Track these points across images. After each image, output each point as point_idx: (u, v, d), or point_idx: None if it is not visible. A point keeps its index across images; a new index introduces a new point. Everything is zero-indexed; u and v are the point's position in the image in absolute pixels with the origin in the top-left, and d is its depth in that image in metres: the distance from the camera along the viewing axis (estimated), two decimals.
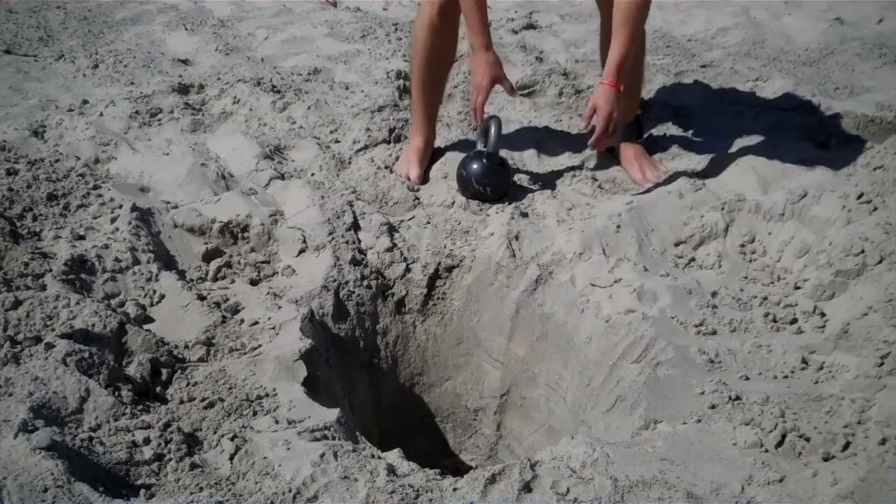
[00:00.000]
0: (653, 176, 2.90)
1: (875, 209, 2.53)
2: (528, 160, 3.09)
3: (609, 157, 3.09)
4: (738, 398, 1.94)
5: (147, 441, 1.69)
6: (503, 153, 2.93)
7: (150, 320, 2.19)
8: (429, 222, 2.78)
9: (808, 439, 1.78)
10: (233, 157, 3.00)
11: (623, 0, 2.58)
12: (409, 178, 2.95)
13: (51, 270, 2.17)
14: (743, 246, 2.58)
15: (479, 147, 2.83)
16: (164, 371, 1.97)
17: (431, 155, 3.06)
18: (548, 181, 2.95)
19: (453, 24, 2.82)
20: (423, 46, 2.86)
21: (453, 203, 2.81)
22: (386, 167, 3.01)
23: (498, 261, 2.63)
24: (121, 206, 2.54)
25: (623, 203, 2.76)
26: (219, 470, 1.69)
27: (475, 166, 2.77)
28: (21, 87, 3.46)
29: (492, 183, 2.79)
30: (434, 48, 2.86)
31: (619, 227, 2.66)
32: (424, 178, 2.98)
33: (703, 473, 1.71)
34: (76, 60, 3.79)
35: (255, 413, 1.88)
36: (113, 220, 2.49)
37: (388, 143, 3.14)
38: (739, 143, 3.06)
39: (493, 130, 2.76)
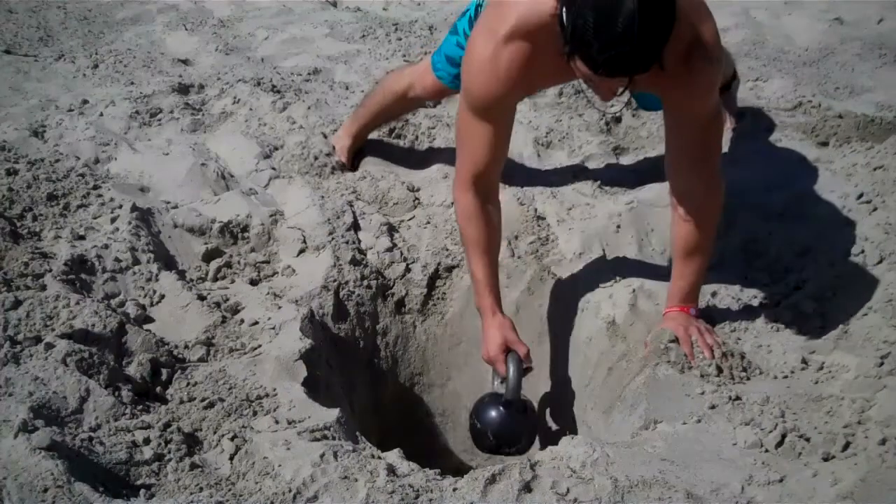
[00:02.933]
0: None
1: (875, 209, 2.53)
2: (528, 160, 3.08)
3: (609, 158, 3.08)
4: (738, 398, 1.94)
5: (147, 441, 1.69)
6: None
7: (150, 320, 2.19)
8: (429, 222, 2.77)
9: (808, 439, 1.78)
10: (233, 157, 3.00)
11: (687, 229, 2.16)
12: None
13: (51, 270, 2.17)
14: (743, 246, 2.58)
15: (496, 387, 2.32)
16: (164, 371, 1.97)
17: (430, 155, 3.07)
18: (548, 181, 2.94)
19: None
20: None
21: (453, 203, 2.81)
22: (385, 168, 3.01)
23: (498, 261, 2.63)
24: (121, 206, 2.54)
25: (623, 203, 2.76)
26: (219, 470, 1.69)
27: (492, 415, 2.26)
28: (21, 87, 3.45)
29: (512, 438, 2.29)
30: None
31: (619, 227, 2.66)
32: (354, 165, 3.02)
33: (703, 473, 1.71)
34: (76, 60, 3.79)
35: (255, 413, 1.88)
36: (113, 220, 2.49)
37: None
38: (739, 144, 3.06)
39: (511, 370, 2.22)
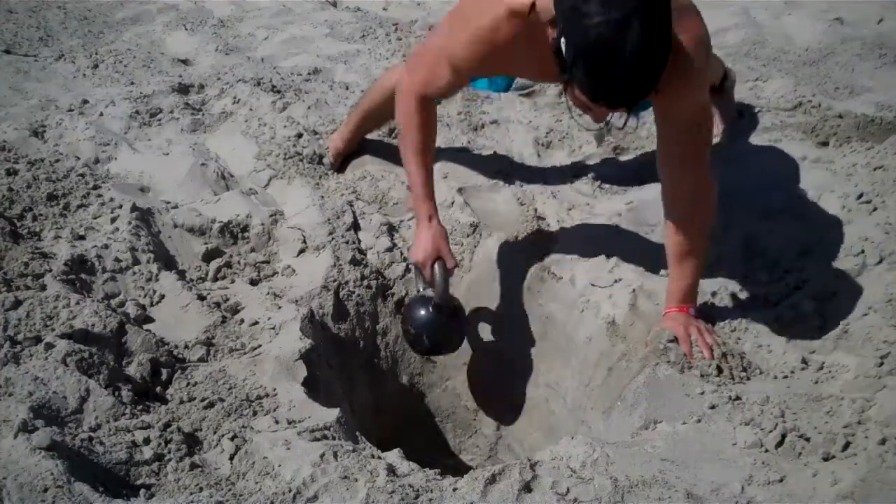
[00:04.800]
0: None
1: (875, 209, 2.53)
2: (528, 160, 3.08)
3: (609, 158, 3.08)
4: (738, 398, 1.94)
5: (147, 441, 1.69)
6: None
7: (150, 320, 2.19)
8: None
9: (808, 439, 1.78)
10: (233, 157, 3.00)
11: (680, 229, 2.17)
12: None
13: (51, 270, 2.17)
14: (743, 246, 2.58)
15: (421, 290, 2.42)
16: (164, 371, 1.97)
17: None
18: (548, 181, 2.94)
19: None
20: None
21: (453, 203, 2.81)
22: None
23: (498, 261, 2.63)
24: (121, 206, 2.54)
25: (623, 203, 2.76)
26: (219, 470, 1.69)
27: (425, 319, 2.38)
28: (21, 87, 3.45)
29: (445, 339, 2.43)
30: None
31: (619, 227, 2.66)
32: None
33: (703, 473, 1.71)
34: (76, 60, 3.79)
35: (255, 413, 1.88)
36: (113, 220, 2.49)
37: None
38: (739, 144, 3.06)
39: (438, 275, 2.32)
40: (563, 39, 1.74)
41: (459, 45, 2.11)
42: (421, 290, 2.41)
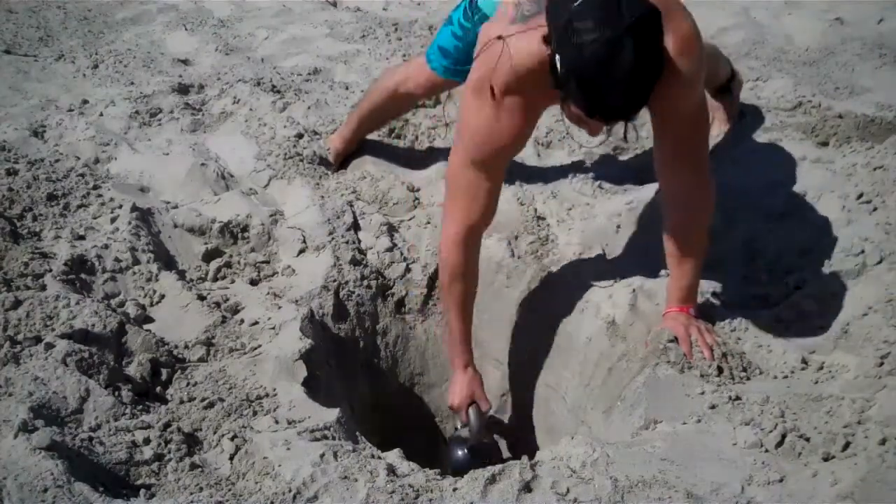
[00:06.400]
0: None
1: (875, 209, 2.53)
2: (528, 159, 3.08)
3: (609, 157, 3.08)
4: (738, 398, 1.94)
5: (147, 441, 1.69)
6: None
7: (150, 320, 2.19)
8: (429, 222, 2.77)
9: (808, 439, 1.78)
10: (233, 157, 3.00)
11: (679, 228, 2.17)
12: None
13: (51, 270, 2.17)
14: (743, 246, 2.58)
15: (459, 431, 2.48)
16: (164, 371, 1.97)
17: (430, 155, 3.07)
18: (548, 181, 2.94)
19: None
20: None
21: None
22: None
23: (498, 261, 2.63)
24: (121, 206, 2.54)
25: (623, 203, 2.76)
26: (219, 470, 1.69)
27: (460, 459, 2.42)
28: (21, 87, 3.45)
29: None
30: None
31: (619, 227, 2.66)
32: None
33: (703, 473, 1.71)
34: (76, 60, 3.79)
35: (255, 413, 1.88)
36: (113, 220, 2.49)
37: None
38: (739, 144, 3.05)
39: (473, 420, 2.40)
40: (557, 56, 1.76)
41: (475, 146, 2.10)
42: (458, 428, 2.49)
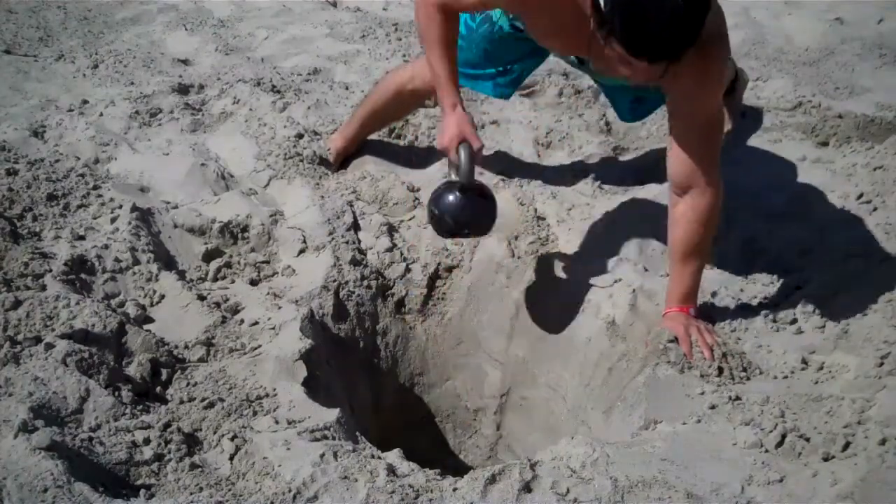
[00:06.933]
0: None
1: (875, 209, 2.53)
2: (528, 160, 3.08)
3: (609, 157, 3.08)
4: (738, 398, 1.94)
5: (147, 441, 1.69)
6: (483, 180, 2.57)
7: (150, 320, 2.19)
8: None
9: (808, 439, 1.78)
10: (233, 157, 3.00)
11: (686, 228, 2.17)
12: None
13: (51, 270, 2.17)
14: (743, 246, 2.58)
15: (451, 177, 2.36)
16: (164, 371, 1.97)
17: (430, 155, 3.07)
18: (548, 181, 2.94)
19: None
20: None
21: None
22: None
23: (498, 261, 2.63)
24: (121, 206, 2.54)
25: (623, 203, 2.76)
26: (219, 470, 1.69)
27: (449, 199, 2.30)
28: (21, 87, 3.45)
29: (470, 218, 2.34)
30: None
31: (619, 227, 2.66)
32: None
33: (703, 473, 1.71)
34: (76, 60, 3.79)
35: (255, 413, 1.88)
36: (113, 220, 2.49)
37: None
38: (740, 144, 3.06)
39: (463, 157, 2.28)
40: None
41: None
42: (451, 177, 2.35)
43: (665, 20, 1.69)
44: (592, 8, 1.77)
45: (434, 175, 2.98)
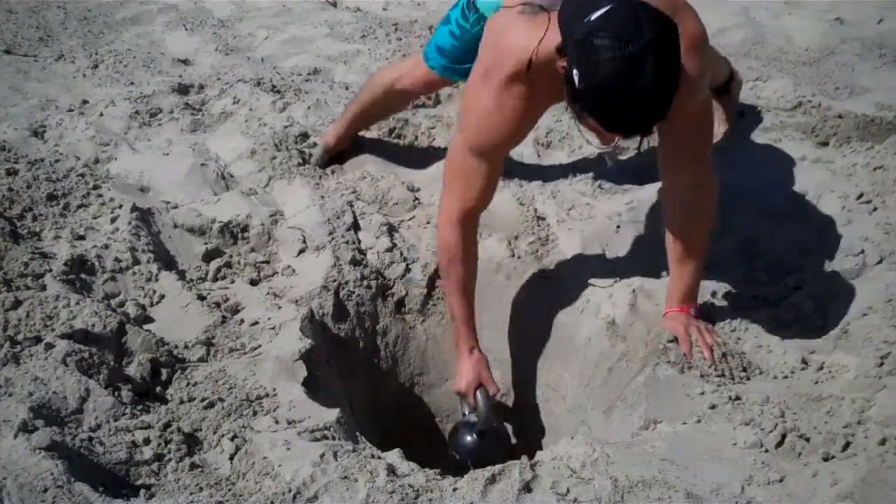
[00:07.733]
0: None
1: (875, 209, 2.53)
2: (528, 160, 3.08)
3: (609, 157, 3.08)
4: (738, 398, 1.94)
5: (147, 441, 1.69)
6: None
7: (150, 320, 2.19)
8: (429, 222, 2.77)
9: (808, 439, 1.78)
10: (233, 157, 3.00)
11: (682, 227, 2.18)
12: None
13: (51, 270, 2.17)
14: (743, 246, 2.58)
15: (467, 416, 2.42)
16: (164, 371, 1.97)
17: (430, 155, 3.07)
18: (548, 181, 2.94)
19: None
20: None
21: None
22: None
23: (498, 261, 2.63)
24: (121, 206, 2.54)
25: (623, 203, 2.76)
26: (219, 470, 1.69)
27: (469, 445, 2.36)
28: (21, 87, 3.45)
29: (487, 459, 2.22)
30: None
31: (619, 227, 2.66)
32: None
33: (703, 473, 1.71)
34: (76, 60, 3.79)
35: (255, 413, 1.88)
36: (113, 220, 2.49)
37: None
38: (739, 144, 3.05)
39: (481, 403, 2.37)
40: (574, 72, 1.71)
41: (475, 132, 2.10)
42: (466, 413, 2.44)
43: (637, 100, 1.68)
44: (565, 82, 1.75)
45: (434, 175, 2.97)
